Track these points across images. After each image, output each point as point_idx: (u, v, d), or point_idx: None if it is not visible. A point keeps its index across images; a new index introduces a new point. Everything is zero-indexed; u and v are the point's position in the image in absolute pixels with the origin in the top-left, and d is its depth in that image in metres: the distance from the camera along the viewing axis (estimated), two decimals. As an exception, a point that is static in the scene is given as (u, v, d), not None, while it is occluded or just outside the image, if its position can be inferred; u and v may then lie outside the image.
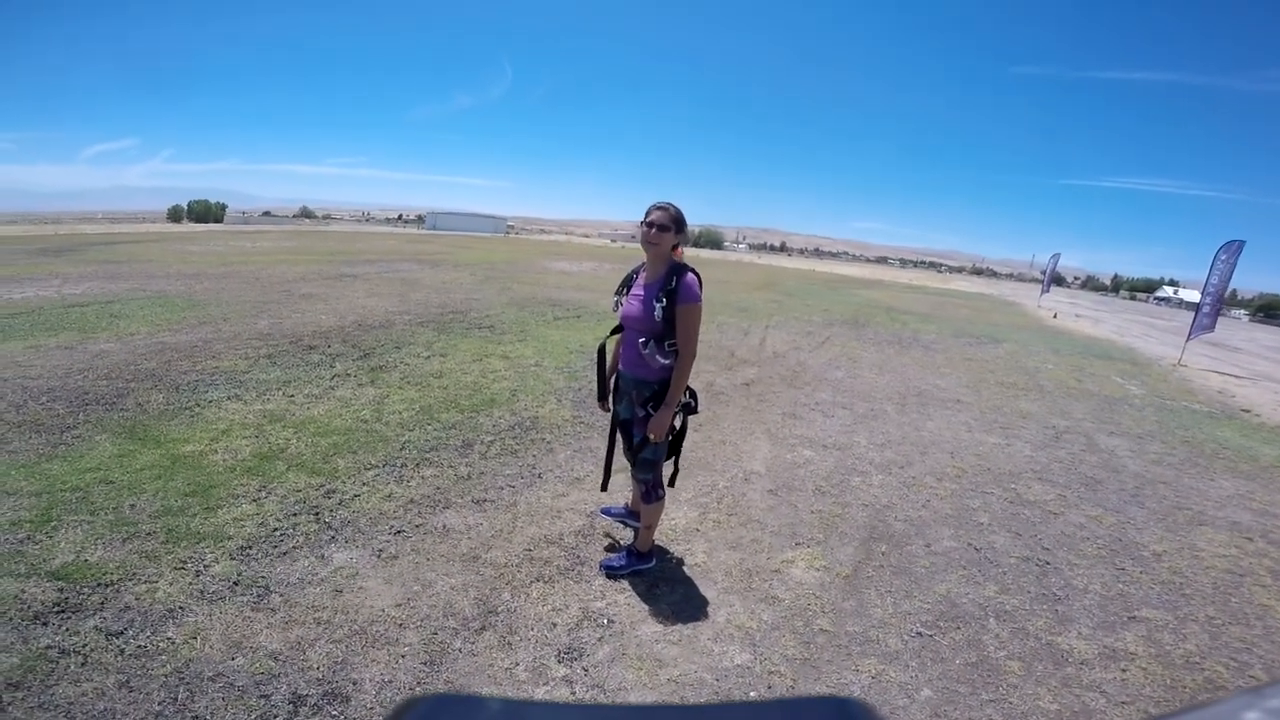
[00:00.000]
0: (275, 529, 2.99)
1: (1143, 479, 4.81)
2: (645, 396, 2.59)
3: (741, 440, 4.81)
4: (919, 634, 2.65)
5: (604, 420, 4.50)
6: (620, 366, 2.74)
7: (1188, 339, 13.11)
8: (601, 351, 2.82)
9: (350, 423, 4.41)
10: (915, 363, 8.90)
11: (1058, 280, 29.67)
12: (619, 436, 2.84)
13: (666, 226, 2.50)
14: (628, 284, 2.70)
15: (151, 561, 2.65)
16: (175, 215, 65.86)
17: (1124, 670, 2.55)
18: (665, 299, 2.46)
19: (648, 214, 2.53)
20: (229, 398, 4.75)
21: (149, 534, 2.85)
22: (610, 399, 2.87)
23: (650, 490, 2.73)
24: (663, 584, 2.83)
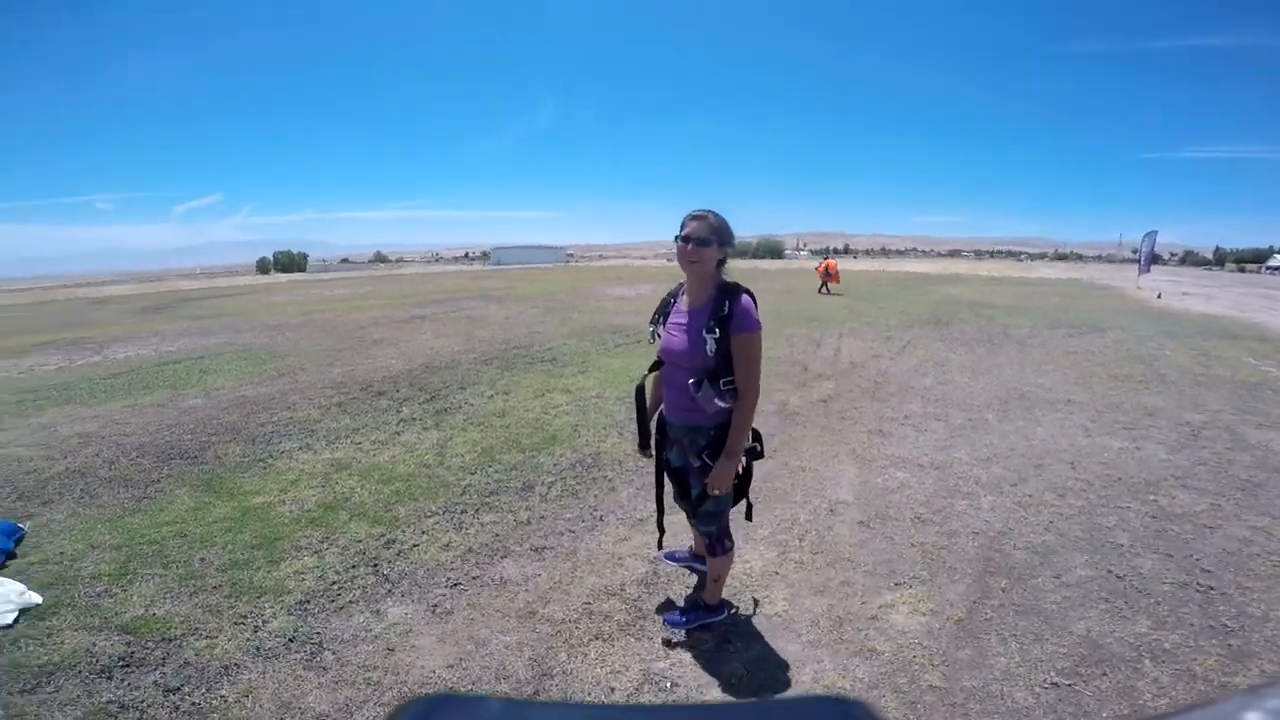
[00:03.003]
0: (334, 582, 2.92)
1: (1313, 479, 4.02)
2: (701, 445, 2.20)
3: (823, 465, 4.37)
4: (1054, 684, 2.20)
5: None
6: (665, 411, 2.33)
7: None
8: (640, 393, 2.40)
9: (413, 468, 4.34)
10: (1011, 361, 8.10)
11: (1153, 258, 26.71)
12: (670, 484, 2.50)
13: (707, 240, 2.06)
14: (664, 310, 2.29)
15: (214, 616, 2.67)
16: (263, 267, 71.45)
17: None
18: (717, 328, 2.05)
19: (683, 226, 2.10)
20: (300, 448, 4.82)
21: (215, 588, 2.88)
22: (652, 444, 2.46)
23: (715, 543, 2.35)
24: (735, 638, 2.48)
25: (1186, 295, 19.95)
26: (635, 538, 3.31)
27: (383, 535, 3.36)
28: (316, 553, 3.18)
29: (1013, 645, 2.42)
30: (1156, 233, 26.06)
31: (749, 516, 2.51)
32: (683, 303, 2.23)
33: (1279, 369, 7.74)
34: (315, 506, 3.73)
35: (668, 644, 2.44)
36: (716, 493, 2.18)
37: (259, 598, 2.78)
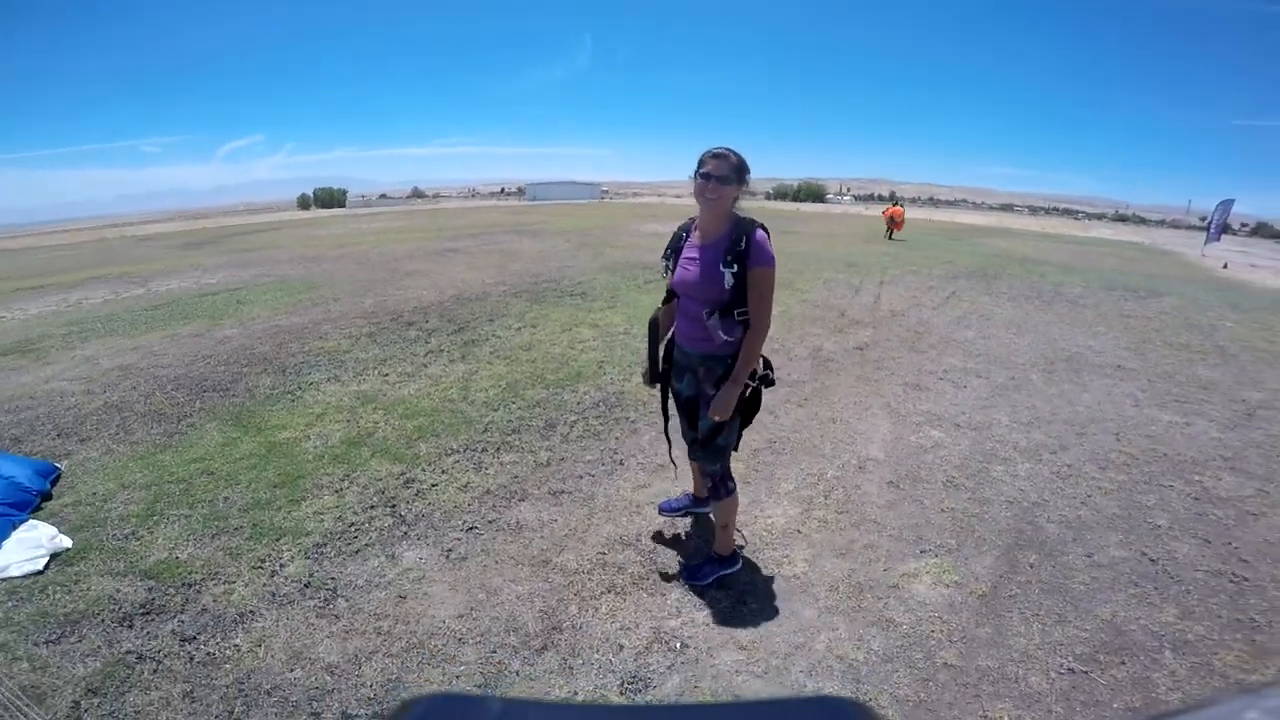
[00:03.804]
0: (351, 524, 2.93)
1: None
2: (718, 374, 2.23)
3: (855, 418, 4.22)
4: (1070, 670, 2.12)
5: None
6: (679, 342, 2.35)
7: None
8: (654, 325, 2.44)
9: (437, 402, 4.34)
10: (1060, 320, 7.68)
11: (1224, 228, 24.78)
12: (679, 417, 2.52)
13: (727, 178, 2.09)
14: (676, 245, 2.30)
15: (234, 559, 2.67)
16: (304, 203, 72.18)
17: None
18: (735, 262, 2.08)
19: (702, 164, 2.11)
20: (329, 379, 4.86)
21: (236, 529, 2.89)
22: (661, 377, 2.50)
23: (720, 484, 2.36)
24: (751, 599, 2.43)
25: (1256, 267, 18.55)
26: (655, 484, 3.26)
27: (403, 474, 3.37)
28: (337, 492, 3.19)
29: (1034, 626, 2.32)
30: (1233, 201, 23.89)
31: (735, 446, 2.41)
32: (695, 237, 2.25)
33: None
34: (339, 442, 3.75)
35: (679, 606, 2.40)
36: (716, 418, 2.20)
37: (278, 540, 2.78)
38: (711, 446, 2.29)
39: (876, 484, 3.33)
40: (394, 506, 3.07)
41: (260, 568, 2.61)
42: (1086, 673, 2.11)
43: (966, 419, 4.26)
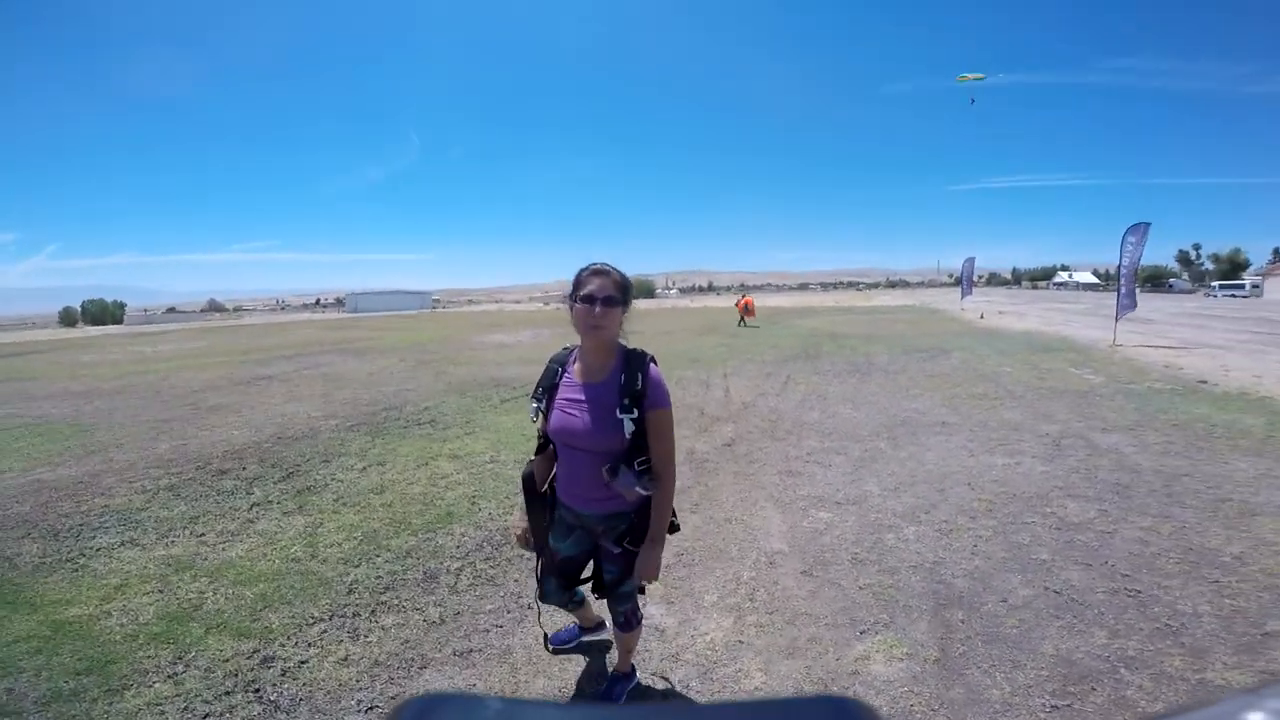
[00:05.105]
0: (206, 715, 2.29)
1: (1165, 475, 4.57)
2: (620, 530, 1.96)
3: (748, 514, 4.21)
4: (1054, 707, 2.19)
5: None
6: (568, 504, 2.00)
7: (1116, 320, 13.68)
8: (529, 481, 2.04)
9: (278, 564, 3.57)
10: (882, 389, 8.66)
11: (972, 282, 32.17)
12: (555, 576, 2.20)
13: (614, 298, 1.78)
14: (550, 383, 1.95)
15: None
16: (68, 319, 61.03)
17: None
18: (634, 406, 1.79)
19: (582, 283, 1.79)
20: (123, 543, 3.91)
21: None
22: (545, 534, 2.11)
23: (630, 616, 2.15)
24: (724, 726, 2.19)
25: (1002, 314, 23.10)
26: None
27: (256, 651, 2.69)
28: (171, 678, 2.51)
29: (998, 676, 2.39)
30: (974, 259, 30.20)
31: (641, 590, 2.20)
32: (574, 372, 1.92)
33: (1096, 376, 9.02)
34: (155, 618, 2.99)
35: None
36: (645, 583, 2.03)
37: (112, 739, 2.10)
38: (620, 592, 2.06)
39: (792, 576, 3.30)
40: (257, 690, 2.43)
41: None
42: (1070, 706, 2.19)
43: (844, 495, 4.47)
